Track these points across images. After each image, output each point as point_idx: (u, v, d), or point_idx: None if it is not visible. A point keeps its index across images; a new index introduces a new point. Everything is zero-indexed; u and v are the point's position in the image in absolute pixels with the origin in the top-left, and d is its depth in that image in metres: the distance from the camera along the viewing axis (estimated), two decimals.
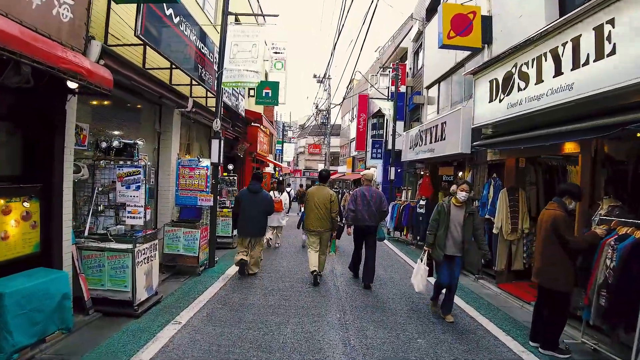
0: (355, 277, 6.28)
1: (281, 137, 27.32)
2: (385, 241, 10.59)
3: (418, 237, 9.92)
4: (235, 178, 8.70)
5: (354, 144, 26.93)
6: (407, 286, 5.95)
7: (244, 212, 5.79)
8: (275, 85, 11.97)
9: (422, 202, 9.81)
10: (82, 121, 4.29)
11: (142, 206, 4.39)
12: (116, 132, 5.61)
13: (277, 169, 21.44)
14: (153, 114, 6.41)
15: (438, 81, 10.74)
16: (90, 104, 4.99)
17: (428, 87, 11.66)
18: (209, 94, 7.43)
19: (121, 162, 4.47)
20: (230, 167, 8.71)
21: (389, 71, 13.83)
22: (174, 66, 5.57)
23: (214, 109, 6.97)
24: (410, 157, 10.93)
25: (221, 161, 6.57)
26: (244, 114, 9.10)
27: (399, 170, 16.56)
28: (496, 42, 6.95)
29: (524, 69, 5.28)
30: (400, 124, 16.08)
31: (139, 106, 6.14)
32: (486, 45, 7.22)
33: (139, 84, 4.93)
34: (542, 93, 4.75)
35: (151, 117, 6.39)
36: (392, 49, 18.42)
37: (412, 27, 16.27)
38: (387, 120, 16.47)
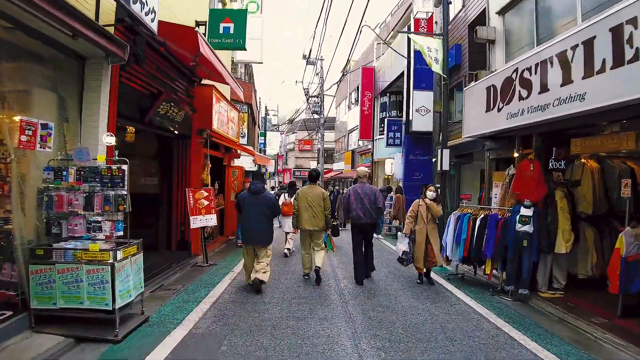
0: (360, 285, 5.43)
1: (264, 126, 22.20)
2: (447, 285, 5.69)
3: (518, 279, 5.03)
4: (125, 168, 3.63)
5: (353, 134, 22.09)
6: None
7: (245, 216, 5.00)
8: (240, 16, 7.00)
9: (526, 212, 4.96)
10: None
11: None
12: None
13: (258, 162, 16.41)
14: None
15: None
16: None
17: (502, 12, 6.82)
18: None
19: None
20: (108, 140, 3.66)
21: None
22: None
23: None
24: (487, 127, 6.05)
25: None
26: (151, 24, 4.08)
27: (414, 157, 11.77)
28: None
29: None
30: (426, 95, 11.34)
31: None
32: None
33: None
34: None
35: None
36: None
37: None
38: (408, 91, 11.65)
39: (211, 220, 6.58)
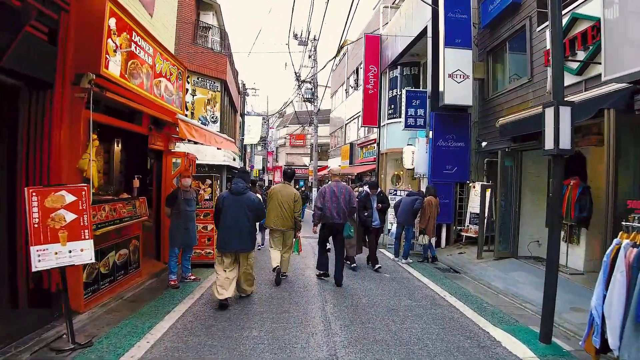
0: (326, 276, 5.68)
1: (240, 106, 18.59)
2: None
3: None
4: None
5: (352, 125, 18.75)
6: None
7: (225, 219, 4.42)
8: None
9: None
10: None
11: None
12: None
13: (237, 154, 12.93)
14: None
15: None
16: None
17: None
18: None
19: None
20: None
21: None
22: None
23: None
24: None
25: None
26: None
27: (445, 143, 8.41)
28: None
29: None
30: (462, 55, 8.09)
31: None
32: None
33: None
34: None
35: None
36: None
37: None
38: (436, 51, 8.33)
39: (82, 254, 3.17)
